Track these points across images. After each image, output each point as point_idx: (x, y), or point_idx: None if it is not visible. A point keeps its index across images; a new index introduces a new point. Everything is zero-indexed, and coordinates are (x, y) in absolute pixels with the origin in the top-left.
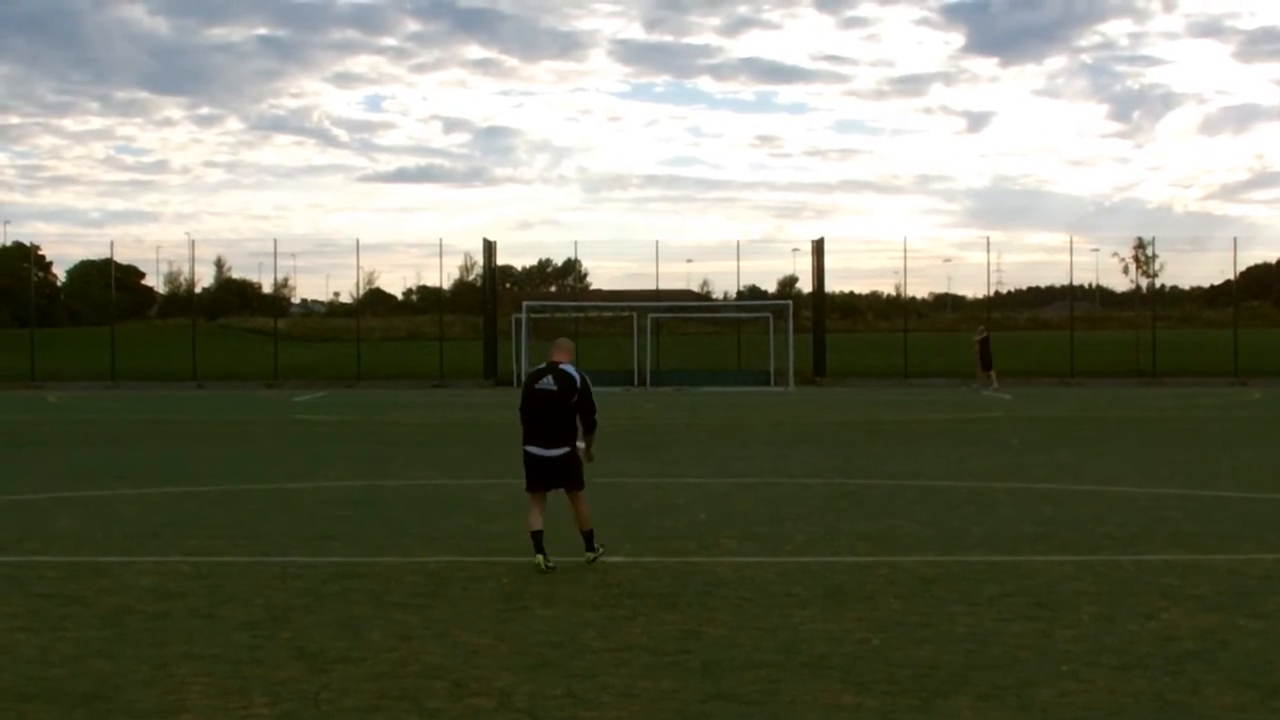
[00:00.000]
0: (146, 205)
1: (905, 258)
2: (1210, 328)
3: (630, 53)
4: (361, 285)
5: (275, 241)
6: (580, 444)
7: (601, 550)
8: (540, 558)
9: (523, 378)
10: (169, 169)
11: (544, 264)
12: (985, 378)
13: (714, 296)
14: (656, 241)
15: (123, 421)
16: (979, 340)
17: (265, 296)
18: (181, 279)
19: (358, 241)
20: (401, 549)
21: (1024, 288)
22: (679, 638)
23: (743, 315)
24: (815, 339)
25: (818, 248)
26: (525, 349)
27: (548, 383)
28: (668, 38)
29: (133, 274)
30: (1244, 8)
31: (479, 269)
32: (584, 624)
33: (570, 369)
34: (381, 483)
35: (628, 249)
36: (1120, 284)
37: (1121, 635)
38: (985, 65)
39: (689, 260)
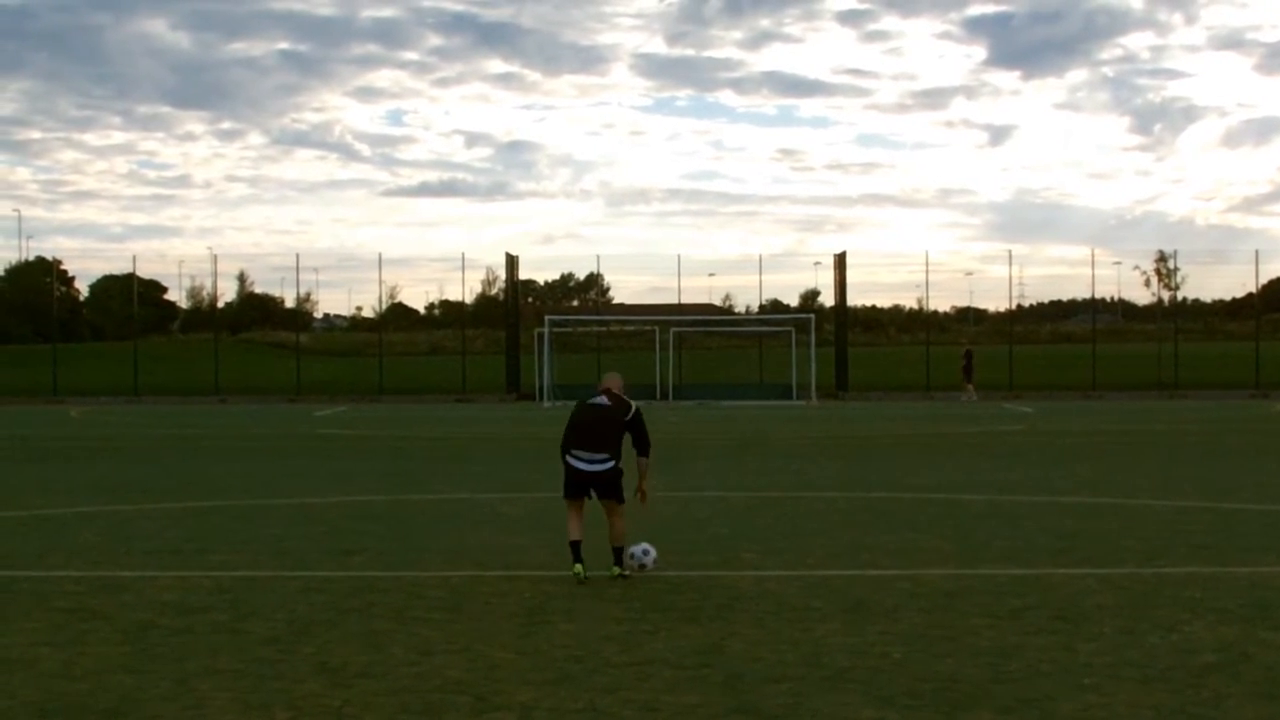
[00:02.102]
0: (169, 220)
1: (927, 271)
2: (1232, 341)
3: (652, 67)
4: (384, 299)
5: (298, 256)
6: (635, 472)
7: (627, 572)
8: (579, 566)
9: (545, 392)
10: (191, 183)
11: (566, 278)
12: (968, 390)
13: (736, 310)
14: (678, 255)
15: (145, 436)
16: (965, 355)
17: (287, 311)
18: (204, 293)
19: (380, 256)
20: (423, 563)
21: (1046, 301)
22: (701, 651)
23: (765, 329)
24: (837, 353)
25: (840, 261)
26: (548, 363)
27: (601, 400)
28: (689, 52)
29: (155, 288)
30: (1266, 20)
31: (501, 283)
32: (606, 638)
33: (624, 397)
34: (403, 497)
35: (650, 263)
36: (1142, 297)
37: (1143, 648)
38: (1007, 78)
39: (711, 274)
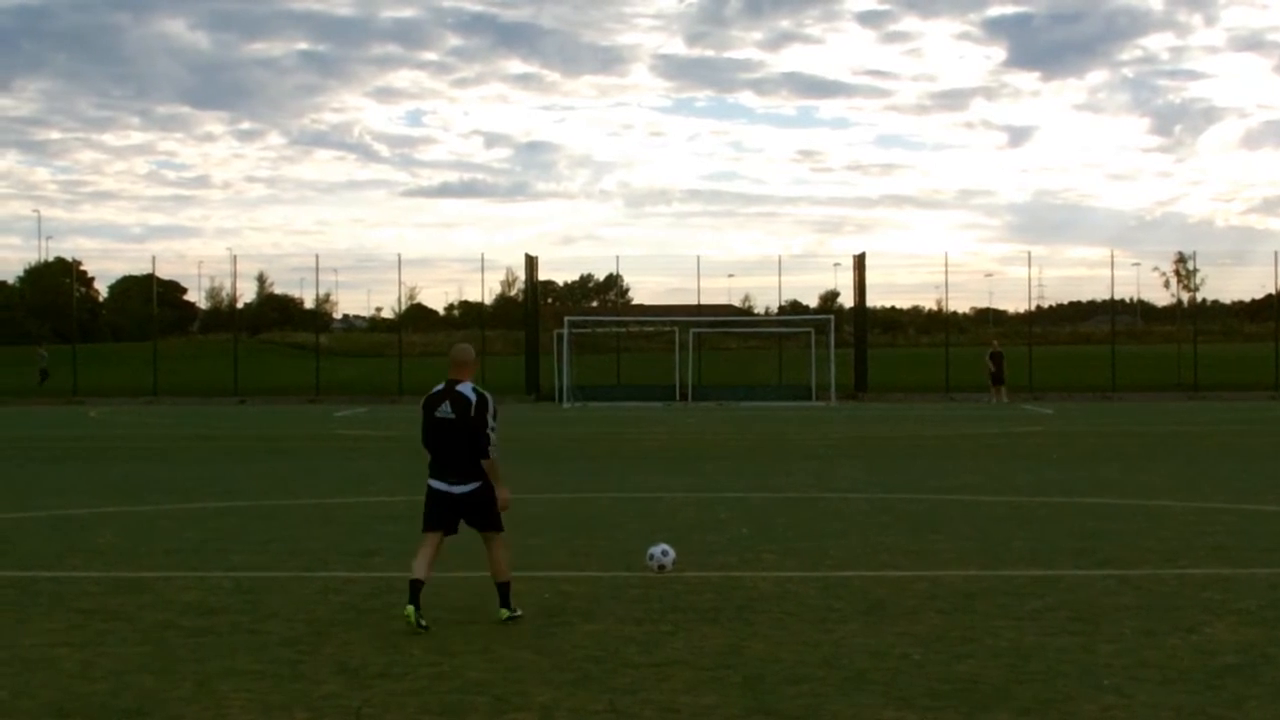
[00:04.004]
0: (188, 220)
1: (946, 272)
2: (1251, 342)
3: (672, 67)
4: (403, 300)
5: (317, 257)
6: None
7: (517, 613)
8: (412, 609)
9: (564, 393)
10: (210, 184)
11: (586, 279)
12: (996, 391)
13: (755, 311)
14: (698, 256)
15: (164, 437)
16: (992, 357)
17: (307, 312)
18: (223, 294)
19: (399, 257)
20: (442, 564)
21: (1065, 302)
22: (720, 653)
23: (784, 330)
24: (857, 354)
25: (859, 262)
26: (567, 364)
27: (445, 410)
28: (709, 52)
29: (174, 289)
30: None
31: (521, 284)
32: (625, 639)
33: (468, 389)
34: (422, 498)
35: (669, 264)
36: (1161, 298)
37: (1163, 650)
38: (1027, 80)
39: (730, 275)
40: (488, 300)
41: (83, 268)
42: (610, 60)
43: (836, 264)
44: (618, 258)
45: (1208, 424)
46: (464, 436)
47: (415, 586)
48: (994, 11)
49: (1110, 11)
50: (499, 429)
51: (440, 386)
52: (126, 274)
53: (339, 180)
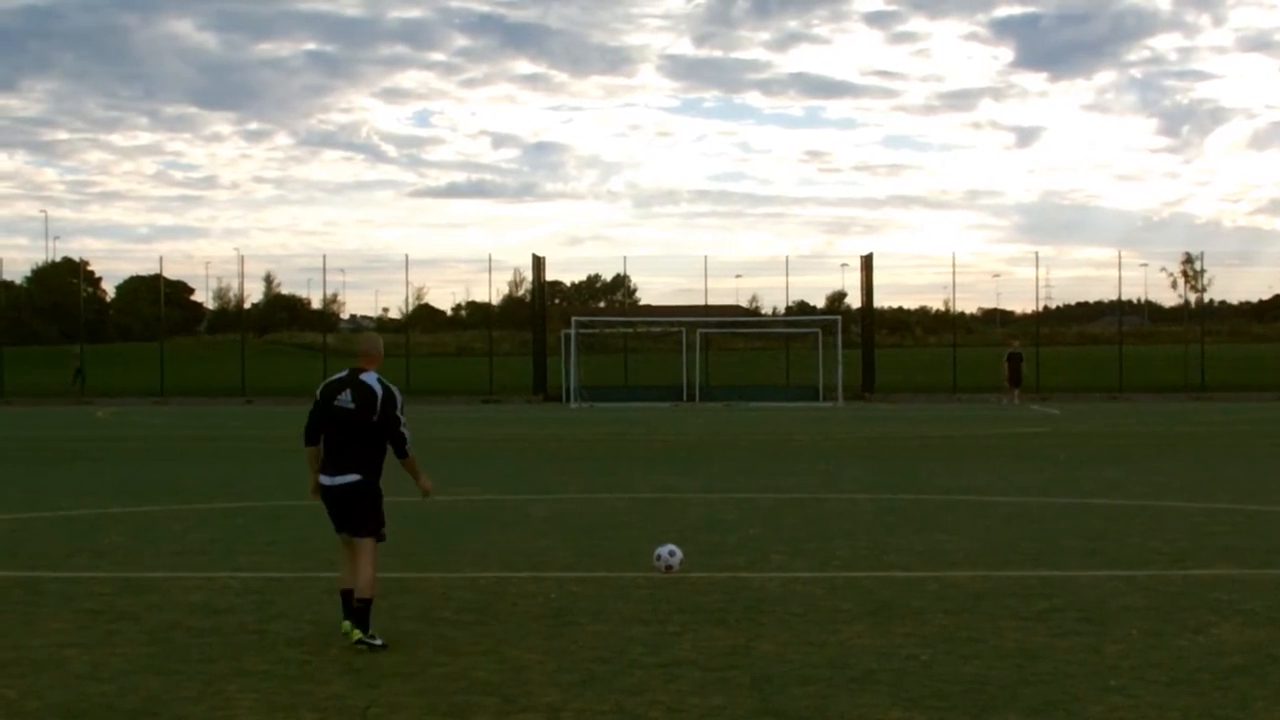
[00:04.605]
0: (195, 221)
1: (954, 273)
2: (1259, 342)
3: (679, 68)
4: (410, 301)
5: (324, 257)
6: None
7: (375, 641)
8: (348, 624)
9: (572, 393)
10: (218, 184)
11: (593, 279)
12: (1012, 392)
13: (763, 312)
14: (705, 257)
15: (171, 437)
16: (1009, 357)
17: (314, 312)
18: (230, 294)
19: (407, 257)
20: (450, 565)
21: (1073, 303)
22: (728, 653)
23: (791, 330)
24: (864, 354)
25: (866, 263)
26: (574, 365)
27: (345, 399)
28: (717, 53)
29: (182, 289)
30: None
31: (528, 284)
32: (632, 640)
33: (374, 380)
34: (430, 498)
35: (677, 264)
36: (1169, 299)
37: (1170, 650)
38: (1034, 80)
39: (738, 275)
40: (495, 301)
41: (90, 268)
42: (618, 61)
43: (844, 264)
44: (625, 258)
45: (1215, 424)
46: (359, 429)
47: (346, 597)
48: (1002, 12)
49: (1118, 12)
50: (409, 424)
51: (342, 374)
52: (134, 274)
53: (346, 180)
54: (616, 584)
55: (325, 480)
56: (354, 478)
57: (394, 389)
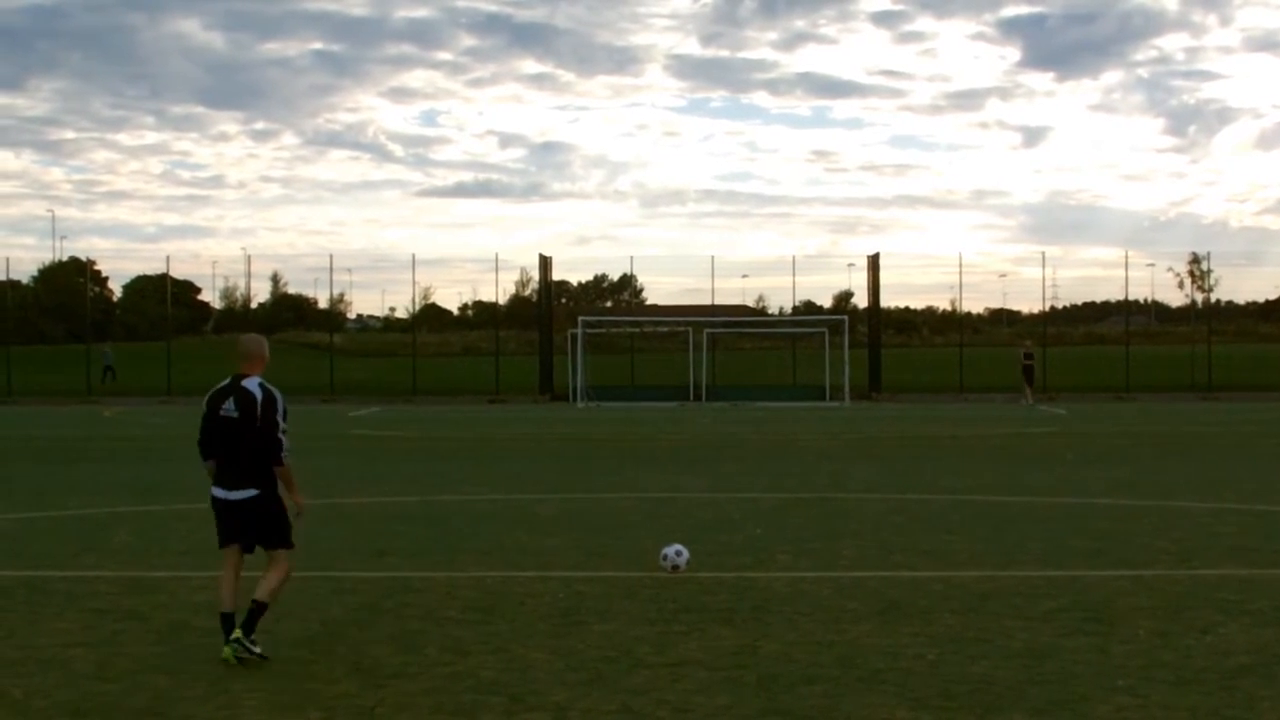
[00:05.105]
0: (202, 220)
1: (961, 273)
2: (1266, 342)
3: (686, 68)
4: (417, 300)
5: (331, 257)
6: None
7: (255, 648)
8: (228, 649)
9: (578, 393)
10: (225, 184)
11: (600, 279)
12: (1027, 392)
13: (769, 312)
14: (712, 257)
15: (178, 436)
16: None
17: (321, 312)
18: (237, 294)
19: (413, 257)
20: (457, 564)
21: (1079, 303)
22: (734, 653)
23: (798, 330)
24: (870, 354)
25: (873, 263)
26: (581, 364)
27: (229, 407)
28: (724, 53)
29: (188, 289)
30: None
31: (535, 284)
32: (639, 639)
33: (255, 385)
34: (437, 498)
35: (683, 264)
36: (1175, 299)
37: (1177, 650)
38: (1041, 80)
39: (745, 275)
40: (502, 300)
41: (97, 267)
42: (625, 60)
43: (850, 264)
44: (632, 258)
45: (1222, 424)
46: (247, 437)
47: (226, 621)
48: (1008, 12)
49: (1125, 12)
50: (290, 430)
51: (225, 382)
52: (141, 274)
53: (353, 180)
54: (623, 583)
55: (221, 494)
56: (253, 492)
57: (275, 392)
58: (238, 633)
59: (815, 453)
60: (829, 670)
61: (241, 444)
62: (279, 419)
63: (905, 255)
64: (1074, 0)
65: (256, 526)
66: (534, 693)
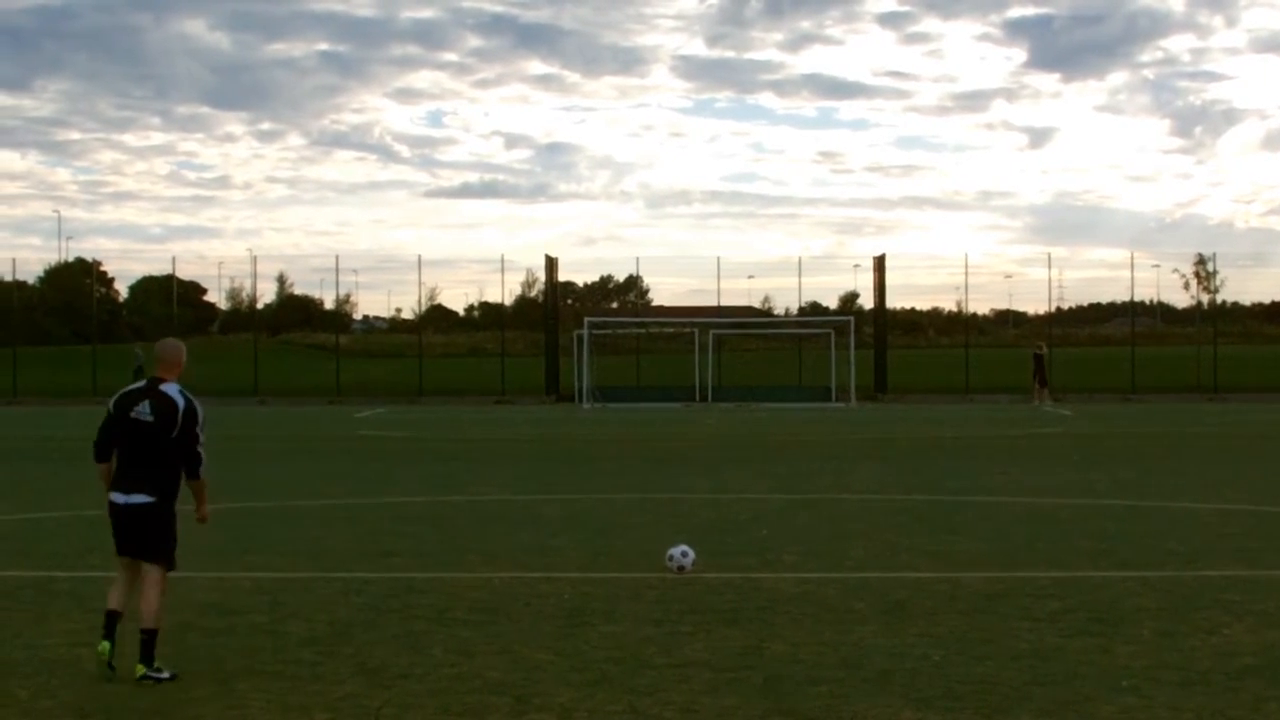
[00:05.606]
0: (208, 221)
1: (966, 274)
2: (1272, 344)
3: (692, 69)
4: (423, 301)
5: (337, 257)
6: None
7: (162, 674)
8: (106, 645)
9: (584, 394)
10: (231, 185)
11: (606, 280)
12: (1040, 393)
13: (775, 312)
14: (718, 257)
15: None
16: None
17: (327, 312)
18: (243, 295)
19: (419, 257)
20: (463, 565)
21: (1085, 304)
22: (740, 654)
23: (804, 331)
24: (876, 355)
25: (879, 264)
26: (587, 365)
27: (143, 410)
28: (730, 54)
29: (194, 290)
30: None
31: (541, 285)
32: (645, 640)
33: (175, 391)
34: (443, 498)
35: (689, 265)
36: (1181, 300)
37: (1183, 651)
38: (1047, 81)
39: (750, 276)
40: (508, 301)
41: (103, 268)
42: (631, 61)
43: (856, 265)
44: (638, 259)
45: (1228, 426)
46: (158, 443)
47: (110, 619)
48: (1014, 13)
49: (1131, 13)
50: (206, 443)
51: (140, 384)
52: (147, 274)
53: (359, 181)
54: (629, 584)
55: (118, 498)
56: (148, 498)
57: (196, 402)
58: (140, 668)
59: (821, 454)
60: (835, 671)
61: (149, 449)
62: (199, 430)
63: (911, 256)
64: (1080, 1)
65: (141, 534)
66: (540, 694)
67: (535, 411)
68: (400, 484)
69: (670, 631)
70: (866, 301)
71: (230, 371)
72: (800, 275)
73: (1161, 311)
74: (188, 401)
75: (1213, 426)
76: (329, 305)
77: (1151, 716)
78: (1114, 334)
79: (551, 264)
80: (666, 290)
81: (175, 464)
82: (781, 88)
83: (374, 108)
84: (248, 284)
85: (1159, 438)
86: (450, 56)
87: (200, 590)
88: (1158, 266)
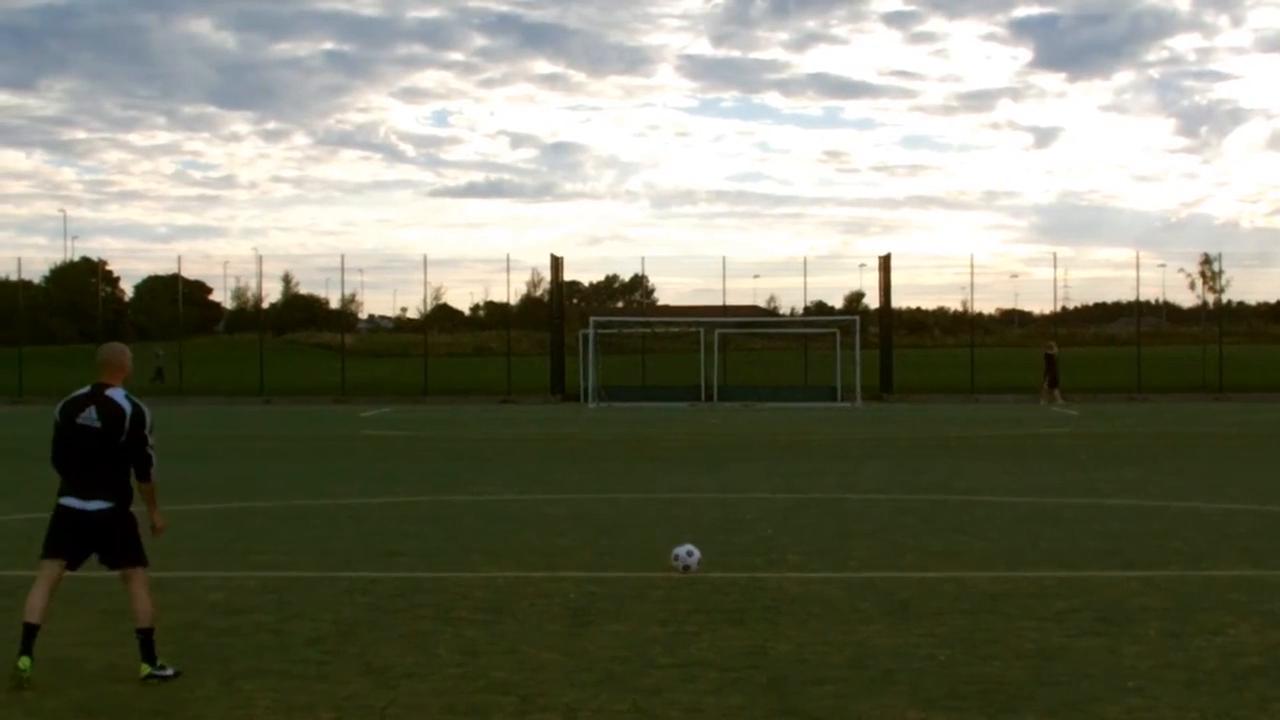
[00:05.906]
0: (214, 220)
1: (972, 273)
2: (1278, 343)
3: (698, 68)
4: (429, 301)
5: (343, 257)
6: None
7: (166, 671)
8: (27, 660)
9: (589, 394)
10: (236, 184)
11: (611, 279)
12: (1050, 393)
13: (781, 312)
14: (724, 257)
15: (189, 436)
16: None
17: (332, 312)
18: (249, 294)
19: (425, 257)
20: (469, 564)
21: (1090, 303)
22: (746, 653)
23: (809, 331)
24: (882, 355)
25: (885, 263)
26: (592, 365)
27: (90, 416)
28: (735, 53)
29: (200, 289)
30: None
31: (546, 284)
32: (651, 640)
33: (121, 396)
34: (449, 498)
35: (695, 265)
36: (1187, 300)
37: (1188, 651)
38: (1053, 80)
39: (756, 276)
40: (513, 300)
41: (108, 267)
42: (636, 61)
43: (862, 265)
44: (643, 258)
45: (1233, 425)
46: (107, 449)
47: (29, 632)
48: (1020, 12)
49: (1136, 12)
50: (156, 447)
51: (85, 390)
52: (152, 274)
53: (365, 180)
54: (634, 584)
55: (73, 503)
56: (107, 505)
57: (143, 407)
58: (145, 668)
59: (826, 453)
60: (840, 671)
61: (100, 455)
62: (147, 434)
63: (917, 256)
64: (1085, 1)
65: (109, 542)
66: (545, 693)
67: (540, 411)
68: (405, 483)
69: (675, 631)
70: (872, 301)
71: (235, 371)
72: (805, 275)
73: (1167, 311)
74: (135, 406)
75: (1218, 426)
76: (334, 305)
77: (1157, 717)
78: (1119, 334)
79: (557, 263)
80: (672, 290)
81: (127, 467)
82: (787, 87)
83: (379, 107)
84: (253, 283)
85: (1164, 437)
86: (456, 56)
87: (205, 589)
88: (1163, 266)
